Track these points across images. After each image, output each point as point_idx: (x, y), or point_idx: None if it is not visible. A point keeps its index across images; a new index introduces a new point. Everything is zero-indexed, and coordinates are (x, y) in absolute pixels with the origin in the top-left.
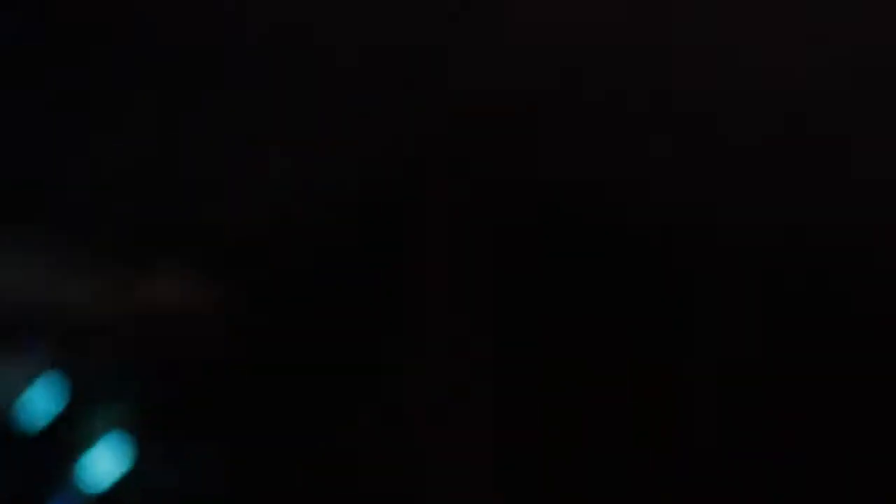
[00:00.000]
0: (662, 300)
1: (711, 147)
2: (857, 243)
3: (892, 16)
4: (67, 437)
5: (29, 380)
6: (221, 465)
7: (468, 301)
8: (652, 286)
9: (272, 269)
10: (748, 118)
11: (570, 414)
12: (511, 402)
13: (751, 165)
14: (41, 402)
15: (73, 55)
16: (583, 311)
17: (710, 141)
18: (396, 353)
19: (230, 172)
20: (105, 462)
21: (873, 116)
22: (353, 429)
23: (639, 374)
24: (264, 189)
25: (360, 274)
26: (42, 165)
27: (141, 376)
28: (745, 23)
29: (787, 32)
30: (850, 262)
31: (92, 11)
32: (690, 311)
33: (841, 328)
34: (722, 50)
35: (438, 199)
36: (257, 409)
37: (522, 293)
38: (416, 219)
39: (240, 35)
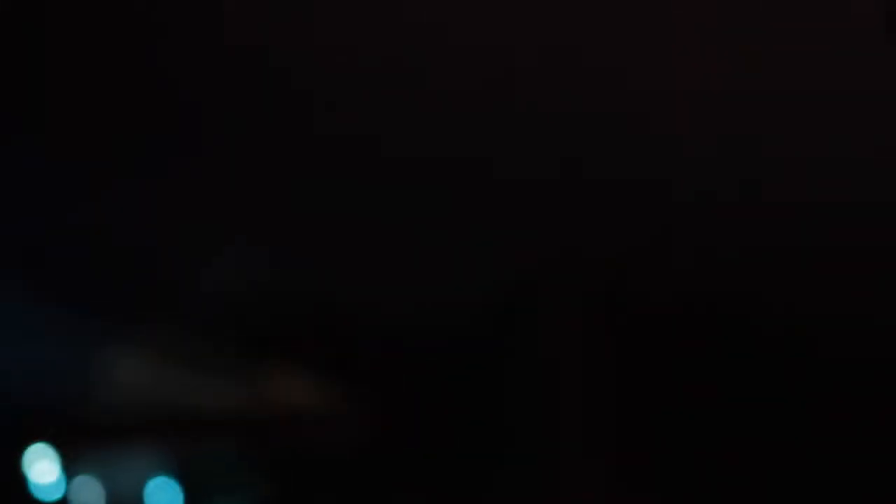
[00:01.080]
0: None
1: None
2: None
3: None
4: None
5: (146, 478)
6: None
7: (594, 394)
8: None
9: (400, 368)
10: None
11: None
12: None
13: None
14: (159, 500)
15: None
16: (700, 404)
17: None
18: (525, 449)
19: (367, 274)
20: None
21: None
22: None
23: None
24: (396, 292)
25: (485, 372)
26: (172, 269)
27: (259, 476)
28: None
29: None
30: None
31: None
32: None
33: None
34: None
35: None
36: None
37: (642, 388)
38: (545, 321)
39: (393, 163)
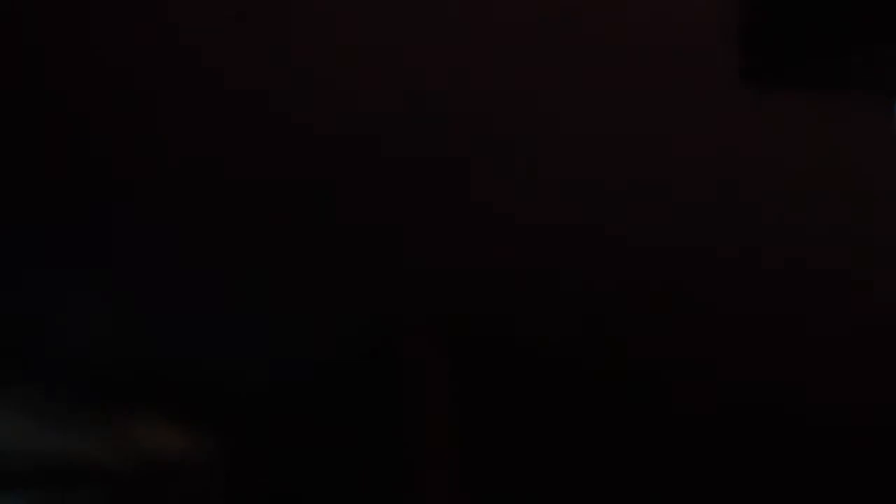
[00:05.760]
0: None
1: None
2: None
3: None
4: None
5: None
6: None
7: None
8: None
9: (267, 422)
10: None
11: None
12: None
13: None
14: None
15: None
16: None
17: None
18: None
19: (231, 327)
20: None
21: None
22: None
23: None
24: (262, 347)
25: (350, 427)
26: (41, 312)
27: None
28: None
29: None
30: None
31: None
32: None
33: None
34: None
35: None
36: None
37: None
38: (401, 376)
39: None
